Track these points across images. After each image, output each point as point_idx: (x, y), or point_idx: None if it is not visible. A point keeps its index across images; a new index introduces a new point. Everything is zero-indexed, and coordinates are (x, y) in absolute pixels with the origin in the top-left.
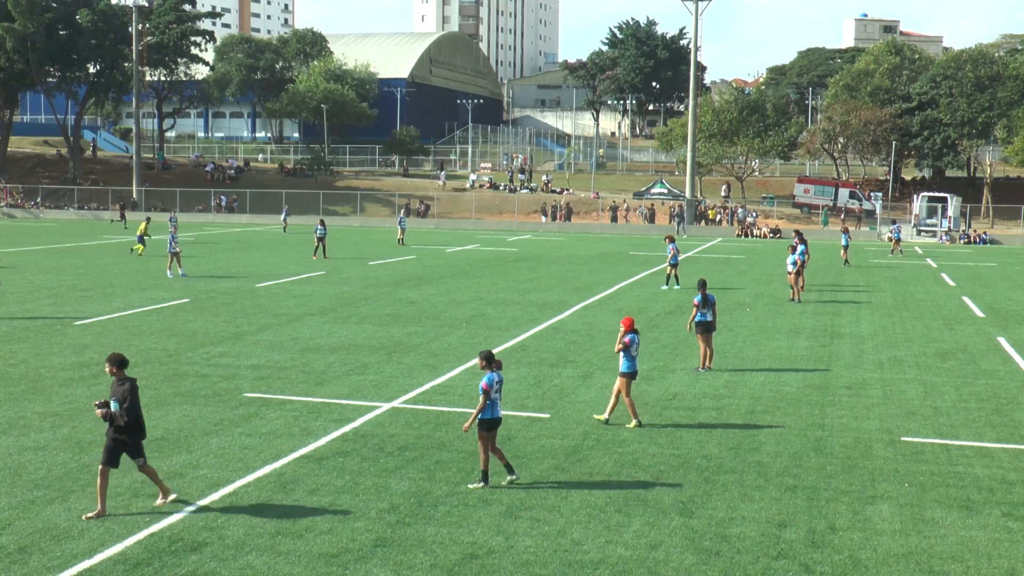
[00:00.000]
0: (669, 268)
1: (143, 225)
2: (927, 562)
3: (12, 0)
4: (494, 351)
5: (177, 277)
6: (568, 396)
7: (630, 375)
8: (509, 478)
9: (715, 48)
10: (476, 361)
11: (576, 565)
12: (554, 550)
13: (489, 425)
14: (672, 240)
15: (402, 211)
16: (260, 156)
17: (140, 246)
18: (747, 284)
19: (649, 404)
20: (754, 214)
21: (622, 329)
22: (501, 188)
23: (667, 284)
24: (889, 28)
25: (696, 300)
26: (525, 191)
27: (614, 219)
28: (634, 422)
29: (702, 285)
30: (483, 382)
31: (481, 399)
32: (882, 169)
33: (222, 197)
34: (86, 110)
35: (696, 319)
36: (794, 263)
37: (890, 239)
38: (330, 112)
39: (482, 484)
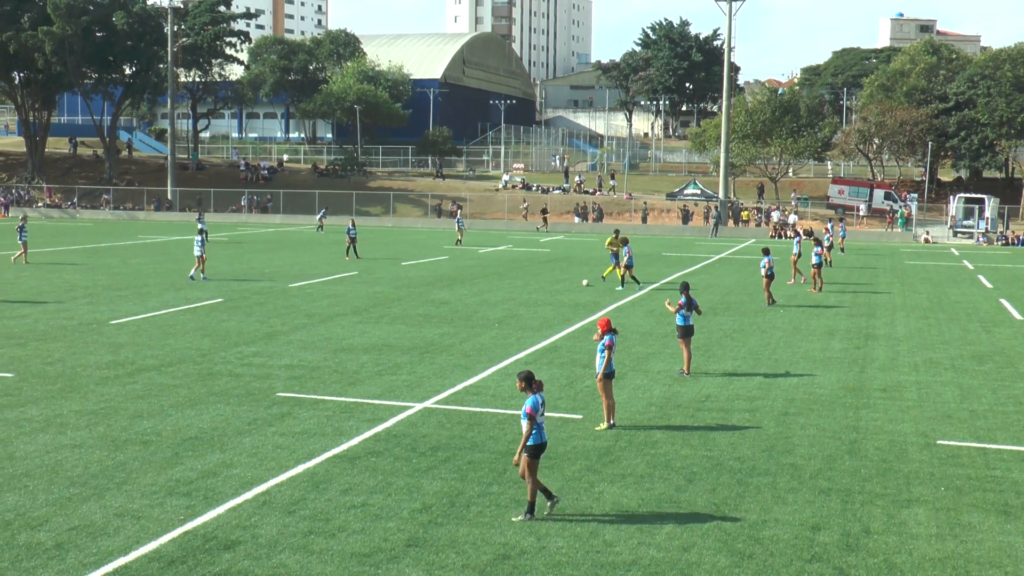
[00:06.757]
0: (624, 269)
1: (611, 238)
2: (964, 567)
3: (52, 4)
4: (527, 351)
5: (199, 280)
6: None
7: (612, 375)
8: (548, 504)
9: (749, 48)
10: (505, 362)
11: (608, 567)
12: (586, 551)
13: (536, 451)
14: (626, 242)
15: (459, 212)
16: (290, 156)
17: (611, 267)
18: (780, 286)
19: (682, 406)
20: (794, 214)
21: (599, 331)
22: (534, 189)
23: (622, 285)
24: (925, 27)
25: (680, 301)
26: (557, 191)
27: (645, 219)
28: (604, 424)
29: (685, 288)
30: (527, 406)
31: (526, 425)
32: (918, 170)
33: (255, 197)
34: (122, 111)
35: (678, 323)
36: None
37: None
38: (363, 113)
39: (528, 516)
